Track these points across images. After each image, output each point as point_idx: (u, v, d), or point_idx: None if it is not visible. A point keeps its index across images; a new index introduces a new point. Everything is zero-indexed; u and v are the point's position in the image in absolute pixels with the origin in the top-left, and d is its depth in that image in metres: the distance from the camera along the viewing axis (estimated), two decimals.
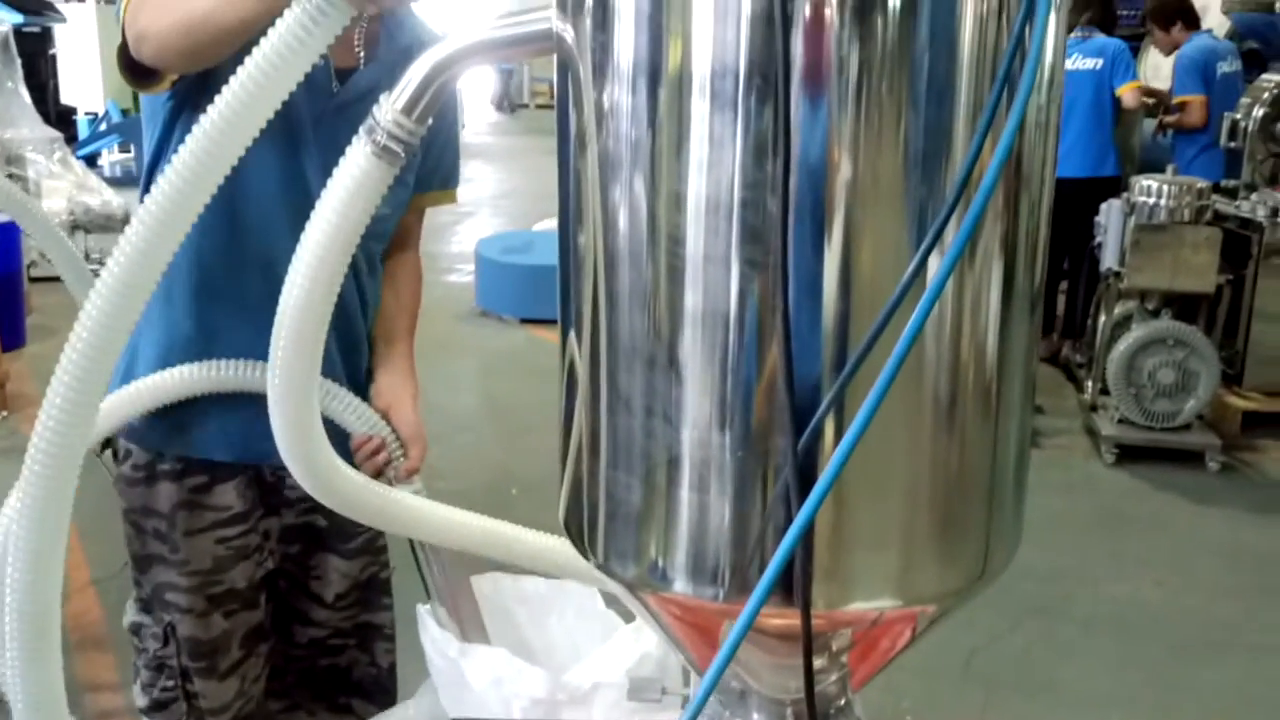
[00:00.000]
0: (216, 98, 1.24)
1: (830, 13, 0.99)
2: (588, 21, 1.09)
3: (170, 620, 1.97)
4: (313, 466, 1.48)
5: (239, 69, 1.22)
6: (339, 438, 1.85)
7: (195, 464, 1.91)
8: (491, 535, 1.83)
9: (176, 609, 1.97)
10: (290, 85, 1.25)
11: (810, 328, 1.05)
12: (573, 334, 1.20)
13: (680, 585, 1.16)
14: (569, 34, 1.12)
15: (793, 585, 1.10)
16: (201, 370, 1.81)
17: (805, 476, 1.05)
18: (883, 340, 1.02)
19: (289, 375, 1.29)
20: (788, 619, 1.16)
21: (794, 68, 1.00)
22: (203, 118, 1.23)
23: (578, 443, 1.22)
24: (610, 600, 2.04)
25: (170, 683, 2.00)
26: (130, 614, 2.04)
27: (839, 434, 1.04)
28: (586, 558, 1.26)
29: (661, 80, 1.05)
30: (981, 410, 1.14)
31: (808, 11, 0.98)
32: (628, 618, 1.93)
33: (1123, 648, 3.80)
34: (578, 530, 1.26)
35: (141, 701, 2.04)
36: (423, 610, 1.94)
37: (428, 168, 2.05)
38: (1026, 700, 3.47)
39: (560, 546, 1.89)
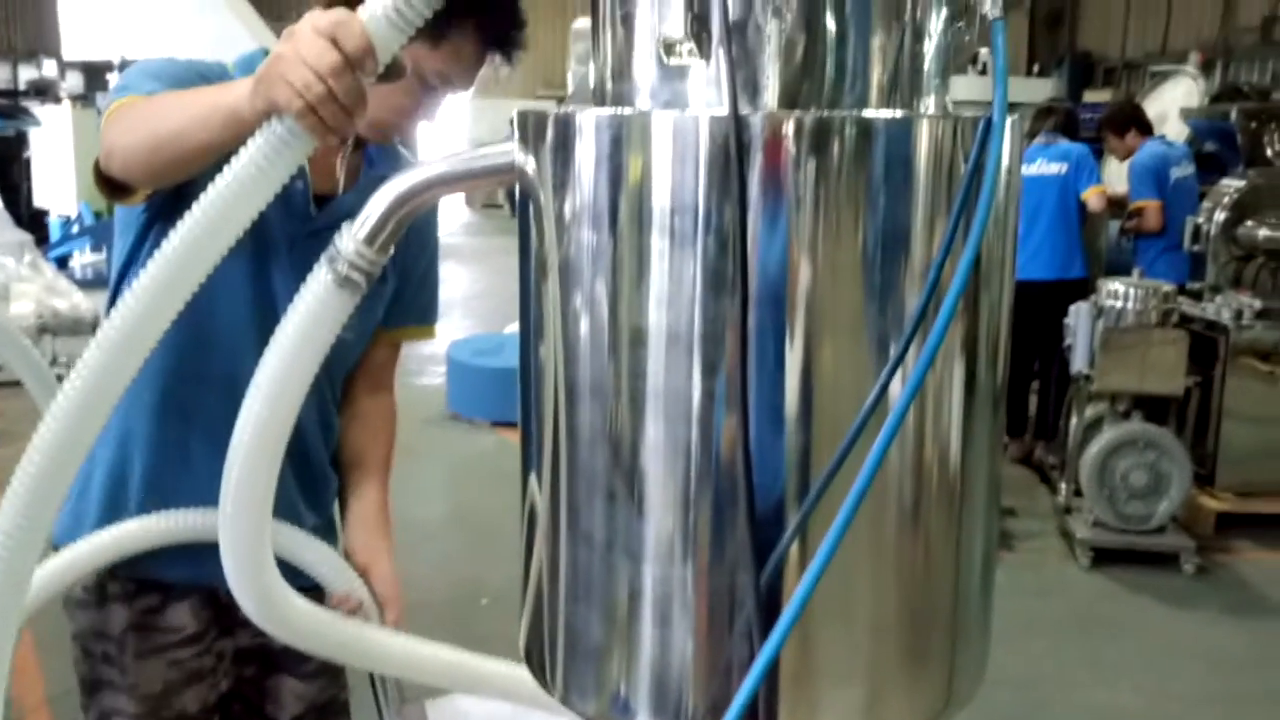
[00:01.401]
0: (180, 222, 1.24)
1: (785, 150, 1.00)
2: (549, 157, 1.11)
3: None
4: (265, 598, 1.45)
5: (206, 191, 1.22)
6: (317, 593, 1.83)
7: (147, 584, 1.87)
8: (454, 667, 1.79)
9: None
10: (255, 209, 1.25)
11: (772, 459, 1.05)
12: (533, 467, 1.20)
13: (643, 719, 1.15)
14: (530, 167, 1.13)
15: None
16: (155, 523, 1.77)
17: (769, 610, 1.04)
18: (847, 467, 1.02)
19: (241, 502, 1.27)
20: None
21: (750, 204, 1.01)
22: (166, 241, 1.23)
23: (538, 574, 1.21)
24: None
25: None
26: None
27: (802, 566, 1.03)
28: (548, 690, 1.24)
29: (620, 216, 1.06)
30: (946, 528, 1.14)
31: (762, 149, 1.00)
32: None
33: None
34: (539, 662, 1.24)
35: None
36: None
37: (405, 301, 2.05)
38: None
39: (526, 676, 1.85)
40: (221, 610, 1.93)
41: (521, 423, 1.24)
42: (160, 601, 1.91)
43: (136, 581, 1.85)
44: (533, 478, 1.20)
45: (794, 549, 1.05)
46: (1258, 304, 6.10)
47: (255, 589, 1.43)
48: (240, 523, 1.27)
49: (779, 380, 1.05)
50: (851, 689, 1.12)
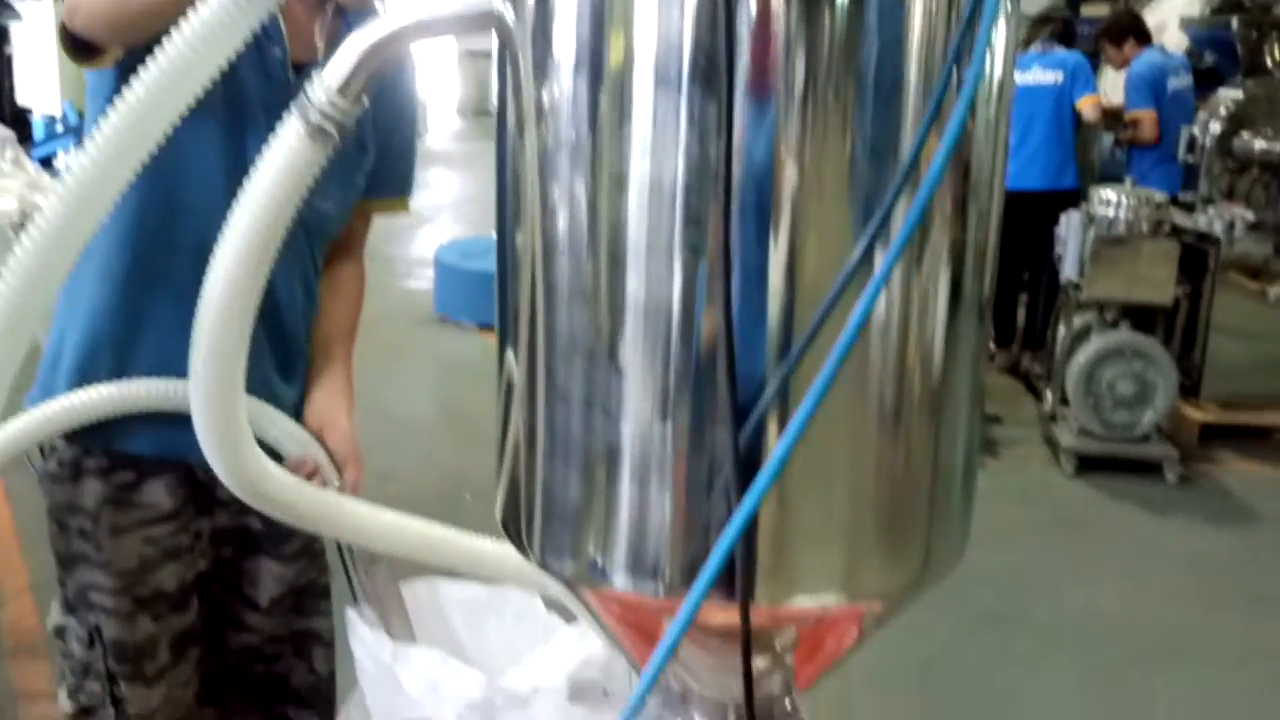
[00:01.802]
0: (144, 68, 1.19)
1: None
2: (529, 2, 1.06)
3: (95, 622, 1.91)
4: (238, 465, 1.43)
5: (172, 35, 1.17)
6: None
7: (122, 460, 1.85)
8: (430, 540, 1.78)
9: (101, 610, 1.91)
10: (225, 55, 1.20)
11: (754, 318, 1.03)
12: (510, 327, 1.17)
13: (620, 581, 1.13)
14: (509, 14, 1.09)
15: (734, 580, 1.08)
16: (127, 388, 1.74)
17: (747, 470, 1.02)
18: (828, 335, 1.00)
19: (212, 364, 1.24)
20: (729, 616, 1.13)
21: (739, 53, 0.97)
22: (128, 88, 1.18)
23: (515, 438, 1.19)
24: (552, 605, 2.00)
25: (96, 687, 1.94)
26: (55, 616, 1.98)
27: (781, 427, 1.02)
28: (525, 555, 1.22)
29: (604, 63, 1.02)
30: (927, 409, 1.12)
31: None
32: (571, 621, 1.89)
33: (1080, 657, 3.80)
34: (515, 527, 1.23)
35: (68, 707, 1.97)
36: (352, 614, 1.89)
37: (381, 172, 2.01)
38: (982, 711, 3.46)
39: (501, 551, 1.85)
40: (199, 489, 1.91)
41: (498, 289, 1.21)
42: (135, 478, 1.89)
43: (110, 456, 1.83)
44: (509, 336, 1.17)
45: (774, 412, 1.04)
46: (1250, 216, 6.07)
47: (227, 452, 1.40)
48: (212, 380, 1.25)
49: (763, 236, 1.02)
50: (829, 554, 1.11)
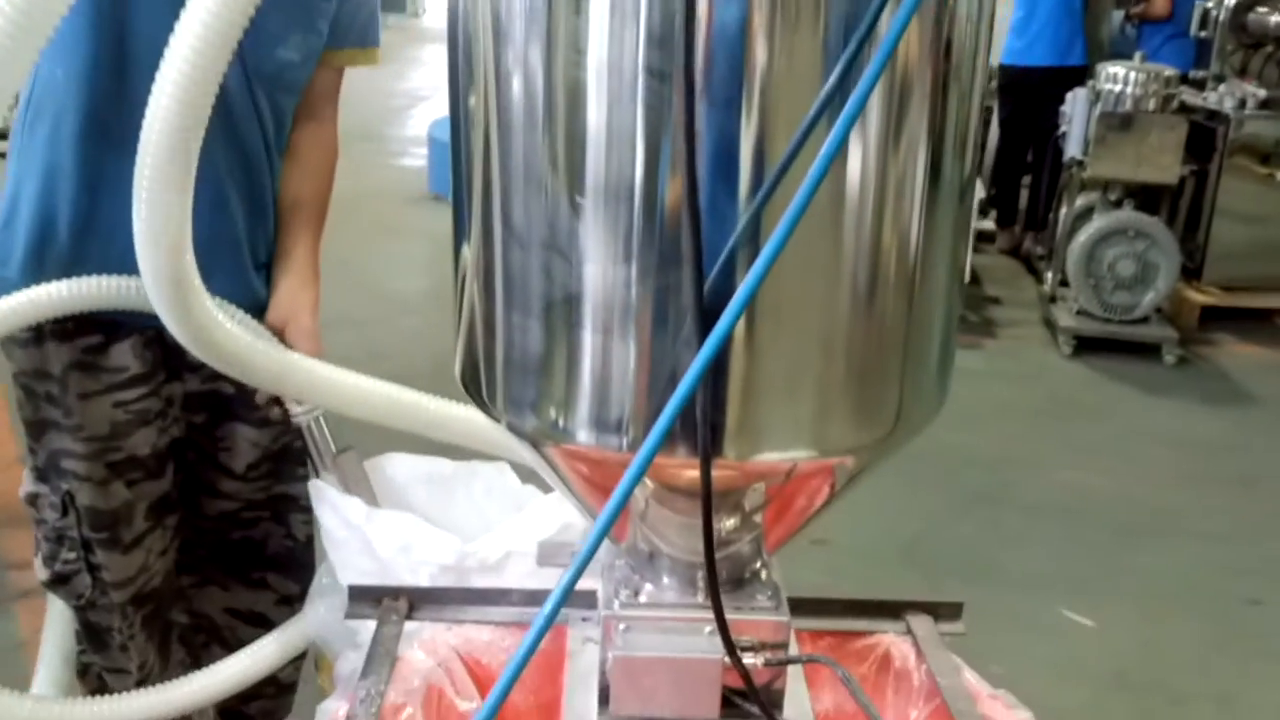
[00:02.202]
0: None
1: None
2: None
3: (68, 489, 1.88)
4: (186, 313, 1.37)
5: None
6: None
7: (87, 322, 1.80)
8: (395, 403, 1.74)
9: (74, 477, 1.87)
10: None
11: (723, 154, 0.96)
12: (464, 168, 1.11)
13: (583, 436, 1.09)
14: None
15: (698, 434, 1.03)
16: (78, 286, 1.66)
17: (713, 317, 0.96)
18: (799, 173, 0.93)
19: (154, 205, 1.17)
20: (696, 473, 1.09)
21: None
22: None
23: (472, 288, 1.13)
24: (526, 476, 1.96)
25: (72, 555, 1.91)
26: (26, 484, 1.95)
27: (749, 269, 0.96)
28: (486, 412, 1.17)
29: None
30: (901, 271, 1.06)
31: None
32: (546, 491, 1.85)
33: (1067, 533, 3.80)
34: (475, 383, 1.18)
35: (43, 575, 1.95)
36: (319, 482, 1.85)
37: (343, 21, 1.92)
38: (969, 584, 3.45)
39: (470, 414, 1.80)
40: (168, 353, 1.86)
41: (451, 133, 1.14)
42: (102, 341, 1.84)
43: (75, 318, 1.77)
44: (464, 189, 1.11)
45: (743, 255, 0.98)
46: (1262, 93, 5.93)
47: (173, 297, 1.34)
48: (154, 220, 1.18)
49: (734, 66, 0.95)
50: (798, 409, 1.06)
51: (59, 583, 1.94)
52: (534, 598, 1.46)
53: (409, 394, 1.78)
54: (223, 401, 1.97)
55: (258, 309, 1.89)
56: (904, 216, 1.05)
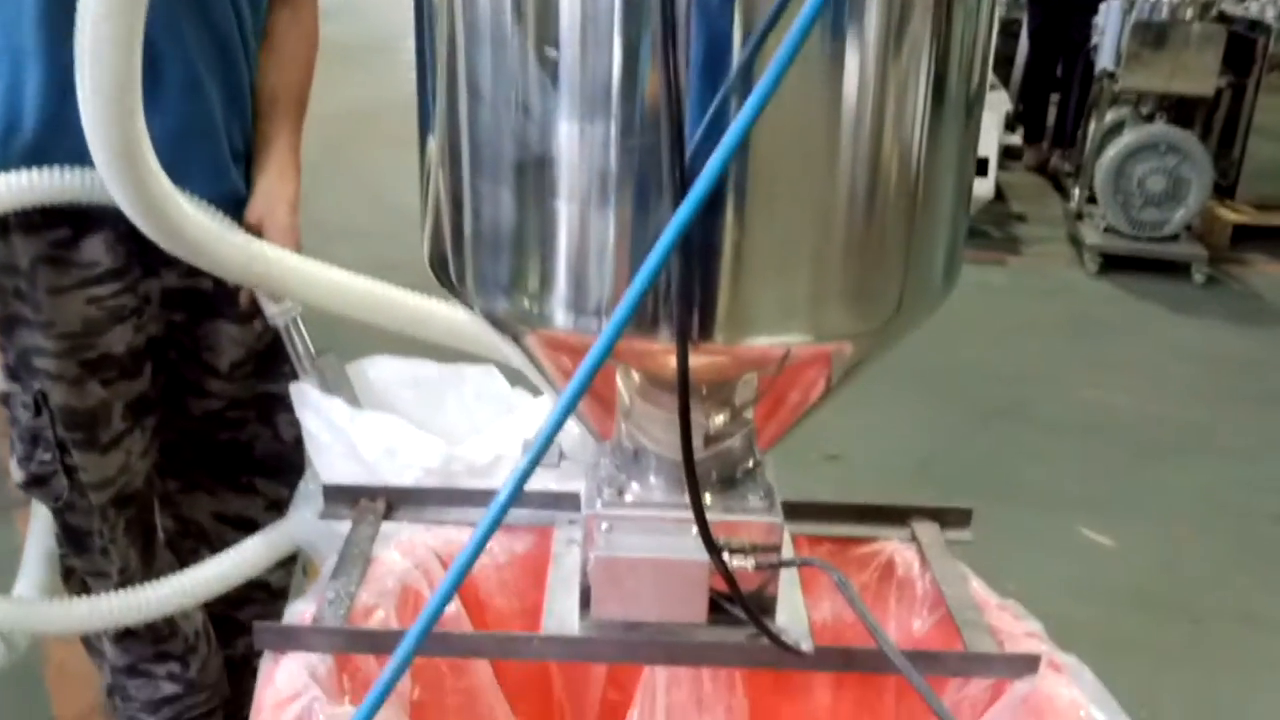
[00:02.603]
0: None
1: None
2: None
3: (40, 388, 1.80)
4: (139, 187, 1.28)
5: None
6: None
7: (55, 215, 1.71)
8: (371, 297, 1.65)
9: (46, 376, 1.79)
10: None
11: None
12: (426, 28, 1.01)
13: (560, 319, 1.00)
14: None
15: (685, 318, 0.94)
16: (36, 178, 1.57)
17: (694, 179, 0.87)
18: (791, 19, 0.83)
19: (101, 68, 1.08)
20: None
21: None
22: None
23: (438, 163, 1.04)
24: (516, 379, 1.88)
25: (47, 456, 1.84)
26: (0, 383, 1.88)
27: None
28: (457, 296, 1.09)
29: None
30: (902, 141, 0.97)
31: None
32: (537, 395, 1.77)
33: (1089, 451, 3.71)
34: (443, 265, 1.09)
35: (19, 476, 1.88)
36: (300, 384, 1.77)
37: None
38: (985, 502, 3.31)
39: (452, 312, 1.72)
40: (143, 247, 1.76)
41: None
42: (71, 234, 1.75)
43: (42, 210, 1.69)
44: (426, 44, 1.02)
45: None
46: None
47: (125, 171, 1.25)
48: (101, 85, 1.09)
49: None
50: (794, 283, 0.97)
51: (35, 484, 1.87)
52: (519, 499, 1.38)
53: (387, 289, 1.70)
54: (203, 298, 1.88)
55: (237, 204, 1.80)
56: (909, 88, 0.96)
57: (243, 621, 2.17)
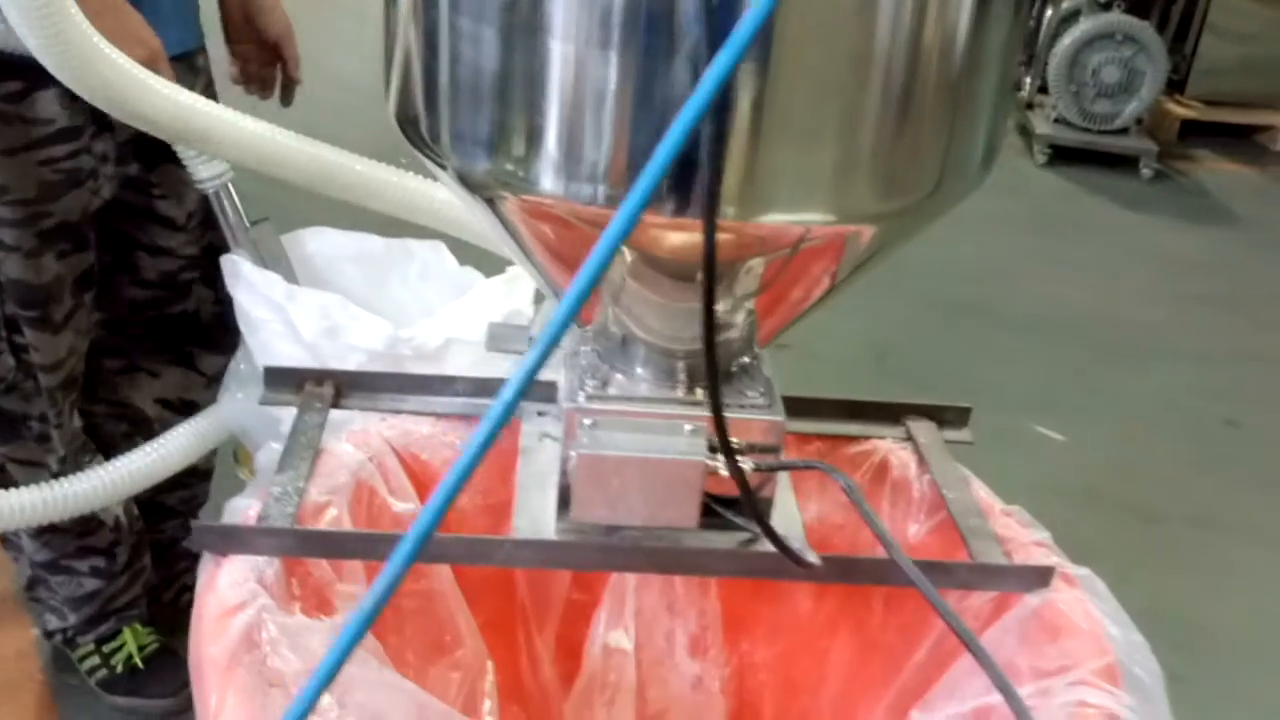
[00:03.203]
0: None
1: None
2: None
3: None
4: (52, 31, 1.12)
5: None
6: None
7: (4, 67, 1.53)
8: (314, 160, 1.50)
9: (1, 247, 1.63)
10: None
11: None
12: None
13: (549, 183, 0.87)
14: None
15: (690, 190, 0.82)
16: None
17: (725, 16, 0.74)
18: None
19: None
20: (685, 238, 0.88)
21: None
22: None
23: None
24: (465, 258, 1.74)
25: None
26: None
27: None
28: (427, 155, 0.95)
29: None
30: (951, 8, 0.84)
31: None
32: (489, 276, 1.64)
33: (1047, 349, 3.64)
34: (412, 119, 0.95)
35: None
36: (232, 257, 1.63)
37: None
38: (943, 398, 3.29)
39: (403, 179, 1.57)
40: None
41: None
42: (22, 87, 1.57)
43: None
44: None
45: None
46: None
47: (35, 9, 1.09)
48: None
49: None
50: (820, 152, 0.85)
51: None
52: (483, 386, 1.26)
53: (335, 153, 1.54)
54: (156, 145, 1.71)
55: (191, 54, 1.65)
56: None
57: (170, 506, 2.05)
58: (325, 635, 0.96)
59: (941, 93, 0.86)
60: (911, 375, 3.41)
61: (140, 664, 1.97)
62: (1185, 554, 2.74)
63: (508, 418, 0.70)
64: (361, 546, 1.04)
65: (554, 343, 0.69)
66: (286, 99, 1.89)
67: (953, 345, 3.62)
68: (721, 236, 0.88)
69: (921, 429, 1.28)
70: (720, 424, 0.87)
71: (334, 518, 1.10)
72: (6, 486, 1.75)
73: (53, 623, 1.99)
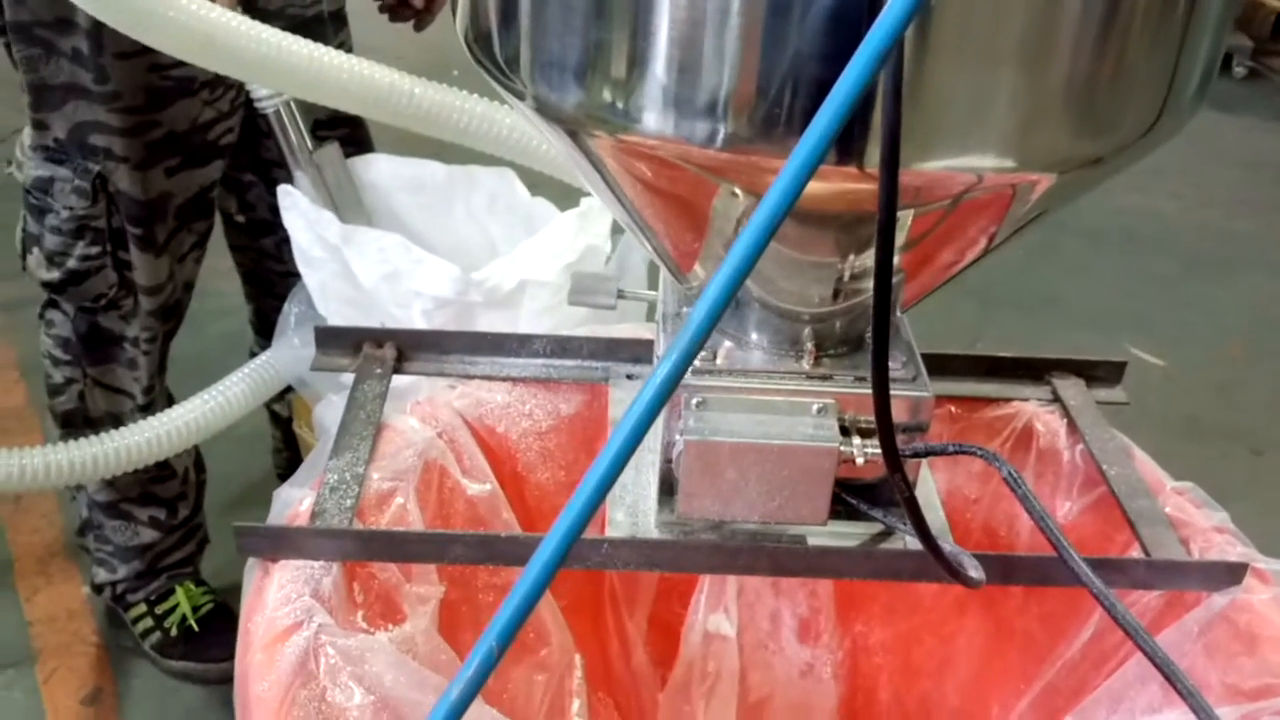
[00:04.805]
0: None
1: None
2: None
3: (99, 170, 1.53)
4: None
5: None
6: None
7: None
8: (366, 83, 1.33)
9: (107, 156, 1.52)
10: None
11: None
12: None
13: (654, 121, 0.71)
14: None
15: (844, 129, 0.65)
16: None
17: None
18: None
19: None
20: (833, 185, 0.71)
21: None
22: None
23: None
24: (536, 186, 1.57)
25: (94, 249, 1.58)
26: (30, 166, 1.57)
27: None
28: (502, 83, 0.79)
29: None
30: None
31: None
32: (564, 207, 1.47)
33: (1133, 263, 3.43)
34: (484, 41, 0.78)
35: (46, 275, 1.61)
36: (288, 188, 1.47)
37: None
38: (1026, 316, 3.12)
39: (465, 102, 1.40)
40: None
41: None
42: None
43: None
44: None
45: None
46: None
47: None
48: None
49: None
50: (999, 84, 0.67)
51: (71, 282, 1.60)
52: (564, 345, 1.10)
53: (386, 72, 1.37)
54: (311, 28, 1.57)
55: None
56: None
57: None
58: (392, 656, 0.82)
59: (1164, 31, 0.68)
60: (994, 293, 3.22)
61: (195, 625, 1.86)
62: None
63: (641, 435, 0.55)
64: (434, 549, 0.89)
65: (702, 340, 0.53)
66: (420, 24, 1.72)
67: (1036, 259, 3.41)
68: (869, 185, 0.71)
69: (1069, 388, 1.11)
70: (883, 405, 0.70)
71: (399, 508, 0.95)
72: (86, 414, 1.71)
73: (101, 575, 1.88)
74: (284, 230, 1.51)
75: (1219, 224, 3.73)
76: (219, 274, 1.96)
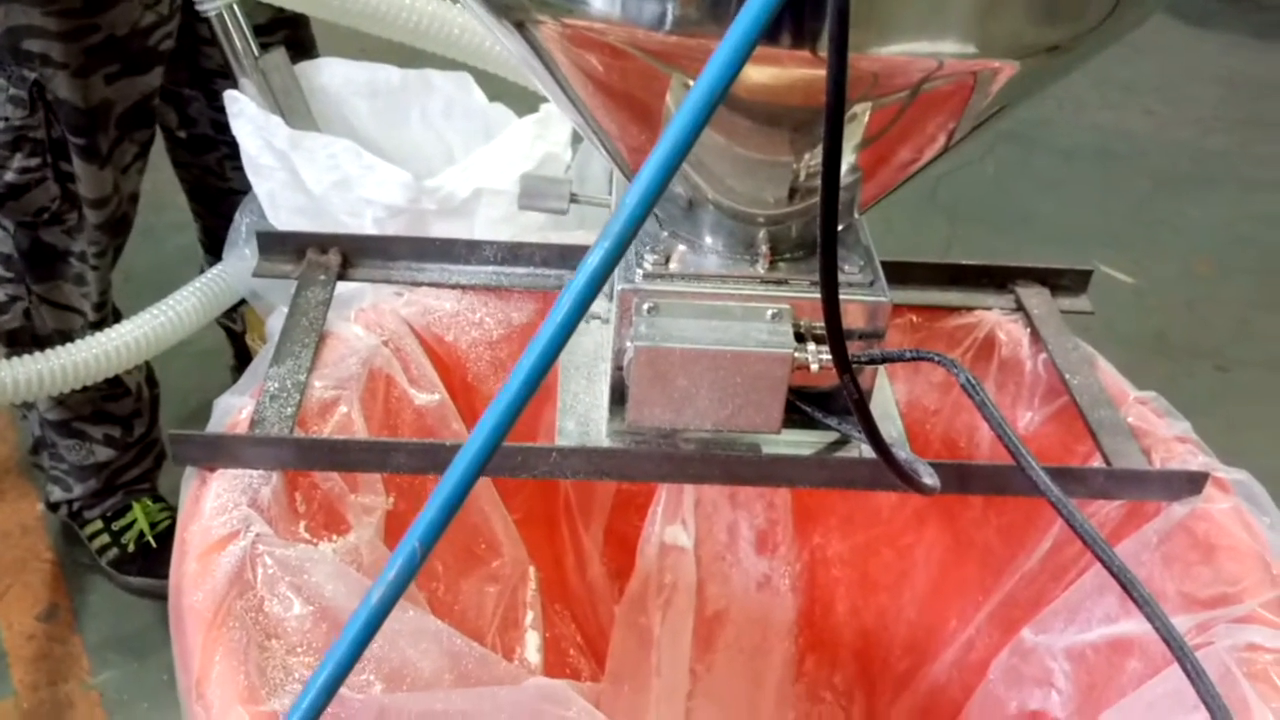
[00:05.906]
0: None
1: None
2: None
3: (36, 78, 1.47)
4: None
5: None
6: None
7: None
8: None
9: (44, 62, 1.46)
10: None
11: None
12: None
13: (600, 2, 0.67)
14: None
15: (797, 9, 0.62)
16: None
17: None
18: None
19: None
20: (782, 68, 0.68)
21: None
22: None
23: None
24: (495, 92, 1.53)
25: (34, 161, 1.52)
26: None
27: None
28: None
29: None
30: None
31: None
32: (522, 114, 1.42)
33: (1105, 179, 3.40)
34: None
35: None
36: (234, 93, 1.42)
37: None
38: (997, 233, 3.10)
39: (427, 7, 1.35)
40: None
41: None
42: None
43: None
44: None
45: None
46: None
47: None
48: None
49: None
50: None
51: (8, 197, 1.54)
52: (516, 252, 1.07)
53: None
54: None
55: None
56: None
57: None
58: (333, 566, 0.79)
59: None
60: (965, 208, 3.19)
61: (152, 542, 1.84)
62: (1260, 403, 2.55)
63: (573, 324, 0.52)
64: (375, 458, 0.86)
65: (635, 226, 0.50)
66: None
67: (1008, 176, 3.38)
68: (821, 73, 0.68)
69: (1034, 297, 1.09)
70: (832, 311, 0.67)
71: (343, 417, 0.92)
72: (34, 332, 1.66)
73: (56, 494, 1.85)
74: (227, 147, 1.45)
75: (1193, 141, 3.70)
76: (177, 187, 1.90)
